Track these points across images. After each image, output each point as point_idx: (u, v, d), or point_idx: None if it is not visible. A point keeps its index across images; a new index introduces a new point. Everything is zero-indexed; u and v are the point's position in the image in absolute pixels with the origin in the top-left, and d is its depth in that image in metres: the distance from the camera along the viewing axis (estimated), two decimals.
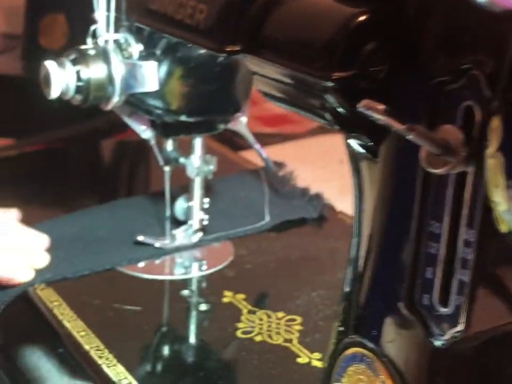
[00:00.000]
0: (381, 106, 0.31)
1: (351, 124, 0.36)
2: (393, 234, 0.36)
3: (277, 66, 0.37)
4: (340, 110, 0.35)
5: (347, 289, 0.41)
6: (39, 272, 0.58)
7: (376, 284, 0.38)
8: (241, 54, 0.41)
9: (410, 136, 0.31)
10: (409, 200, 0.34)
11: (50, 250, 0.60)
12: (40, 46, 1.18)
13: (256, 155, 0.94)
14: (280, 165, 0.77)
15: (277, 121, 1.27)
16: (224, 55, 0.56)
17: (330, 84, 0.34)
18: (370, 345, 0.38)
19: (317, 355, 0.51)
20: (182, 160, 0.63)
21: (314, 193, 0.73)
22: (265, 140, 1.13)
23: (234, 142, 1.10)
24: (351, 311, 0.41)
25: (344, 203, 0.76)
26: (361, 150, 0.38)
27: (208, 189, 0.65)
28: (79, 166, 0.90)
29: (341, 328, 0.41)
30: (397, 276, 0.36)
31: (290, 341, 0.53)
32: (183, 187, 0.65)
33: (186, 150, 0.64)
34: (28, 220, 0.62)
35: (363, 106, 0.32)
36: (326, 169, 1.04)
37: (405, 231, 0.35)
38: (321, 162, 1.07)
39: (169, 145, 0.64)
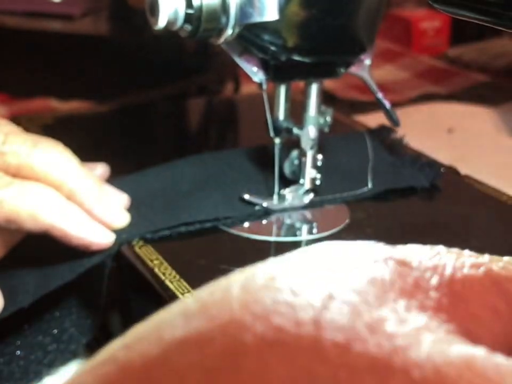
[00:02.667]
0: None
1: None
2: None
3: None
4: None
5: None
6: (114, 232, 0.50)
7: None
8: None
9: None
10: None
11: (129, 208, 0.53)
12: (127, 6, 1.14)
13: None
14: (388, 129, 0.68)
15: None
16: None
17: None
18: None
19: None
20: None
21: (427, 161, 0.64)
22: (363, 107, 1.05)
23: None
24: None
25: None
26: None
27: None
28: (164, 122, 0.85)
29: None
30: None
31: None
32: (289, 142, 0.58)
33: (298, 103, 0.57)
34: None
35: None
36: (434, 138, 0.96)
37: None
38: (428, 131, 0.99)
39: (282, 91, 0.57)
